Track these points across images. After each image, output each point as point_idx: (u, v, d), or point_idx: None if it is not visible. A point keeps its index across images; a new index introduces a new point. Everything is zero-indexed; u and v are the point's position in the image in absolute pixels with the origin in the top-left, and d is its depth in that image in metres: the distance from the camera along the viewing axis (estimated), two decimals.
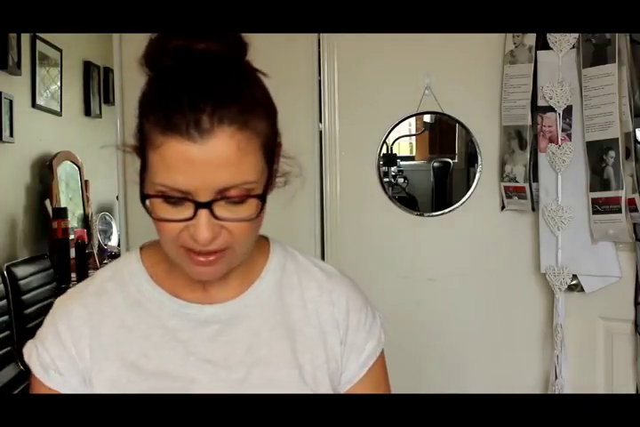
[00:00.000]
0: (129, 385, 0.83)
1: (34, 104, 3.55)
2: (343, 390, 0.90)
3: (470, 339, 1.91)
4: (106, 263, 3.61)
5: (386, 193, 1.96)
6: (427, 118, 2.10)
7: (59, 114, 3.88)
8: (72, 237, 3.61)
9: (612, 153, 1.59)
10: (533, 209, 1.80)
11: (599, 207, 1.63)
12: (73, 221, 3.79)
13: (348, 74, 1.95)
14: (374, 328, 0.92)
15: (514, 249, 1.87)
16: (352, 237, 1.97)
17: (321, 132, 1.98)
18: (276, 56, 1.88)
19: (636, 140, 1.63)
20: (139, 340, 0.84)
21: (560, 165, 1.69)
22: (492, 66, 1.83)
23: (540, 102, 1.71)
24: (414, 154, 2.35)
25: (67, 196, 3.81)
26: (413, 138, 2.28)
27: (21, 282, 3.08)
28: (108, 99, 4.45)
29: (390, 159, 2.05)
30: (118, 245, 3.00)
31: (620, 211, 1.60)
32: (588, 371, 1.78)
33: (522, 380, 1.86)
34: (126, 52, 1.99)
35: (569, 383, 1.74)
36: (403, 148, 2.22)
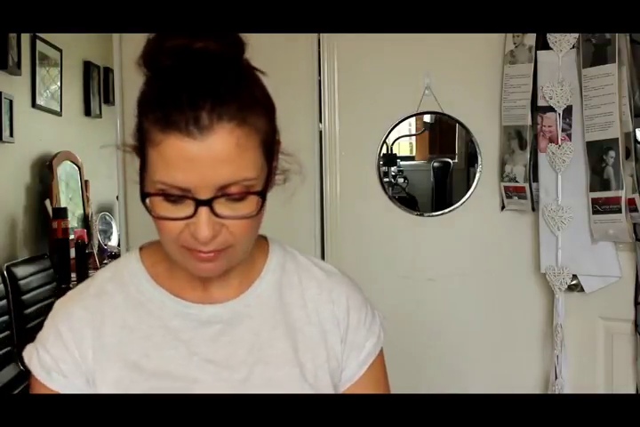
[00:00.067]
0: (131, 385, 0.83)
1: (34, 104, 3.55)
2: (343, 388, 0.91)
3: (470, 339, 1.91)
4: (106, 263, 3.61)
5: (386, 193, 1.96)
6: (427, 118, 2.10)
7: (59, 114, 3.88)
8: (72, 237, 3.61)
9: (611, 153, 1.59)
10: (533, 209, 1.80)
11: (599, 207, 1.63)
12: (73, 221, 3.79)
13: (348, 74, 1.95)
14: (374, 326, 0.92)
15: (514, 249, 1.87)
16: (352, 237, 1.97)
17: (321, 132, 1.98)
18: (276, 56, 1.89)
19: (636, 140, 1.63)
20: (140, 340, 0.84)
21: (560, 165, 1.69)
22: (492, 66, 1.83)
23: (540, 102, 1.71)
24: (414, 154, 2.35)
25: (67, 196, 3.81)
26: (413, 138, 2.28)
27: (21, 282, 3.08)
28: (108, 99, 4.45)
29: (390, 159, 2.05)
30: (118, 245, 3.00)
31: (619, 211, 1.60)
32: (588, 371, 1.78)
33: (522, 380, 1.86)
34: (126, 52, 1.99)
35: (569, 383, 1.74)
36: (403, 148, 2.22)
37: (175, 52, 0.75)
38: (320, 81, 1.96)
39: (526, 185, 1.76)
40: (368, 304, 0.94)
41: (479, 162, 1.90)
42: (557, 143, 1.69)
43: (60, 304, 0.88)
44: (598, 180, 1.63)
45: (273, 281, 0.90)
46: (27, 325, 3.02)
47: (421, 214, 1.97)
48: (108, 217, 4.28)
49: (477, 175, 1.90)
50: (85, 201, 4.07)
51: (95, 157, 3.96)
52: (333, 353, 0.89)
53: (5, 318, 2.90)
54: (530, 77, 1.72)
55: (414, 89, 1.89)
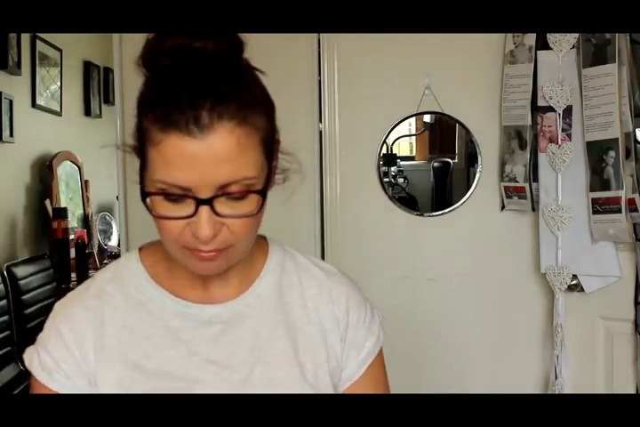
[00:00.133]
0: (133, 386, 0.82)
1: (34, 104, 3.55)
2: (343, 387, 0.91)
3: (470, 339, 1.91)
4: (106, 263, 3.61)
5: (386, 193, 1.96)
6: (427, 118, 2.10)
7: (59, 114, 3.88)
8: (72, 237, 3.61)
9: (612, 153, 1.59)
10: (533, 209, 1.80)
11: (599, 207, 1.63)
12: (73, 221, 3.79)
13: (347, 74, 1.95)
14: (373, 326, 0.93)
15: (514, 249, 1.87)
16: (352, 237, 1.97)
17: (321, 132, 1.98)
18: (276, 56, 1.89)
19: (636, 140, 1.63)
20: (141, 340, 0.84)
21: (560, 165, 1.69)
22: (492, 66, 1.83)
23: (540, 102, 1.71)
24: (414, 154, 2.35)
25: (67, 196, 3.81)
26: (413, 138, 2.28)
27: (21, 282, 3.08)
28: (108, 99, 4.46)
29: (390, 159, 2.05)
30: (118, 245, 3.00)
31: (620, 211, 1.60)
32: (588, 371, 1.78)
33: (522, 380, 1.86)
34: (126, 52, 1.99)
35: (569, 383, 1.74)
36: (403, 148, 2.22)
37: (174, 51, 0.75)
38: (320, 81, 1.96)
39: (526, 185, 1.76)
40: (367, 304, 0.94)
41: (479, 162, 1.90)
42: (557, 143, 1.69)
43: (60, 306, 0.88)
44: (598, 180, 1.63)
45: (273, 281, 0.90)
46: (27, 325, 3.02)
47: (421, 214, 1.97)
48: (108, 217, 4.28)
49: (477, 175, 1.90)
50: (85, 201, 4.07)
51: (95, 157, 3.96)
52: (333, 353, 0.89)
53: (5, 318, 2.90)
54: (530, 77, 1.72)
55: (414, 89, 1.89)
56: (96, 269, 3.55)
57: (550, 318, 1.80)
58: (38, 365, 0.84)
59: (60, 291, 3.23)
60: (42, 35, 3.59)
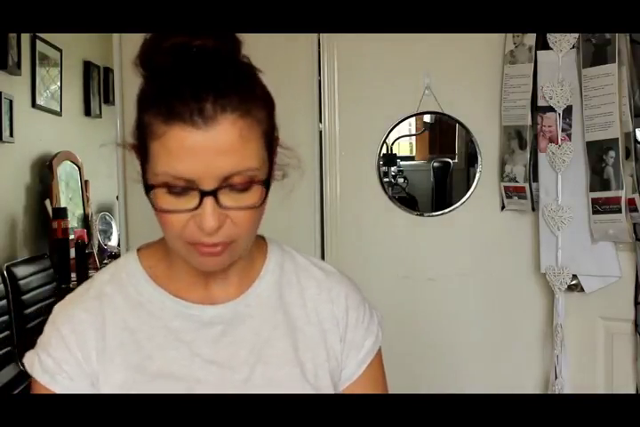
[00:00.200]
0: (135, 387, 0.82)
1: (34, 104, 3.55)
2: (342, 387, 0.91)
3: (470, 339, 1.91)
4: (106, 263, 3.61)
5: (386, 193, 1.96)
6: (427, 118, 2.10)
7: (59, 114, 3.88)
8: (72, 237, 3.61)
9: (611, 153, 1.59)
10: (533, 209, 1.80)
11: (599, 207, 1.63)
12: (73, 221, 3.79)
13: (347, 74, 1.95)
14: (372, 326, 0.93)
15: (514, 249, 1.87)
16: (352, 237, 1.97)
17: (321, 132, 1.97)
18: (276, 56, 1.89)
19: (636, 140, 1.63)
20: (142, 341, 0.84)
21: (560, 165, 1.69)
22: (492, 66, 1.83)
23: (540, 102, 1.71)
24: (414, 154, 2.35)
25: (67, 196, 3.81)
26: (413, 138, 2.28)
27: (21, 282, 3.08)
28: (108, 99, 4.46)
29: (390, 159, 2.05)
30: (118, 245, 3.00)
31: (620, 211, 1.60)
32: (588, 371, 1.78)
33: (522, 380, 1.86)
34: (126, 52, 1.99)
35: (569, 383, 1.74)
36: (403, 148, 2.22)
37: (174, 50, 0.75)
38: (320, 81, 1.96)
39: (526, 185, 1.76)
40: (366, 303, 0.94)
41: (479, 162, 1.90)
42: (557, 143, 1.69)
43: (60, 307, 0.88)
44: (598, 180, 1.63)
45: (272, 281, 0.90)
46: (27, 325, 3.02)
47: (421, 214, 1.97)
48: (108, 217, 4.28)
49: (477, 175, 1.90)
50: (85, 201, 4.07)
51: (95, 156, 3.96)
52: (333, 352, 0.89)
53: (5, 318, 2.90)
54: (530, 77, 1.72)
55: (414, 89, 1.89)
56: (96, 269, 3.55)
57: (550, 318, 1.80)
58: (39, 367, 0.83)
59: (60, 291, 3.23)
60: (42, 35, 3.59)
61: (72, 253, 3.54)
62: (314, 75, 1.96)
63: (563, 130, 1.69)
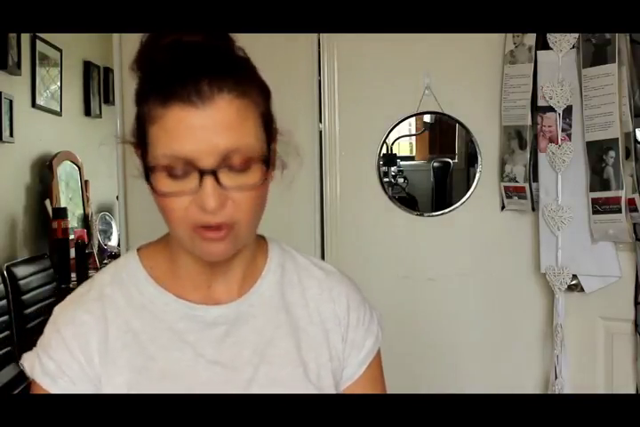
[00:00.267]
0: (138, 388, 0.82)
1: (34, 104, 3.55)
2: (343, 386, 0.91)
3: (470, 339, 1.91)
4: (106, 263, 3.61)
5: (386, 193, 1.96)
6: (427, 118, 2.10)
7: (59, 114, 3.88)
8: (72, 237, 3.61)
9: (611, 153, 1.59)
10: (533, 209, 1.80)
11: (599, 207, 1.63)
12: (73, 221, 3.79)
13: (347, 74, 1.95)
14: (372, 325, 0.93)
15: (514, 249, 1.87)
16: (352, 237, 1.97)
17: (321, 132, 1.97)
18: (276, 56, 1.89)
19: (636, 140, 1.63)
20: (145, 343, 0.84)
21: (560, 165, 1.69)
22: (492, 66, 1.83)
23: (540, 102, 1.71)
24: (414, 154, 2.35)
25: (67, 196, 3.81)
26: (413, 138, 2.28)
27: (21, 282, 3.08)
28: (107, 99, 4.46)
29: (390, 159, 2.05)
30: (118, 245, 3.00)
31: (620, 211, 1.60)
32: (588, 371, 1.78)
33: (522, 380, 1.86)
34: (126, 52, 1.99)
35: (569, 383, 1.74)
36: (403, 148, 2.22)
37: (170, 47, 0.77)
38: (320, 81, 1.96)
39: (526, 185, 1.76)
40: (366, 303, 0.94)
41: (479, 162, 1.90)
42: (557, 143, 1.69)
43: (60, 308, 0.87)
44: (598, 180, 1.63)
45: (274, 281, 0.90)
46: (27, 325, 3.02)
47: (421, 214, 1.97)
48: (108, 217, 4.28)
49: (477, 175, 1.90)
50: (85, 201, 4.07)
51: (95, 157, 3.95)
52: (335, 352, 0.89)
53: (5, 318, 2.91)
54: (530, 77, 1.72)
55: (414, 89, 1.89)
56: (96, 269, 3.55)
57: (550, 318, 1.80)
58: (40, 370, 0.83)
59: (60, 291, 3.23)
60: (42, 35, 3.59)
61: (72, 253, 3.54)
62: (314, 75, 1.96)
63: (563, 130, 1.69)
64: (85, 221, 4.02)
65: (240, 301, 0.87)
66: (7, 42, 3.16)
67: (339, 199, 1.97)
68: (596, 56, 1.61)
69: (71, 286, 3.36)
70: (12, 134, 3.25)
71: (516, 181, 1.78)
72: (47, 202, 3.54)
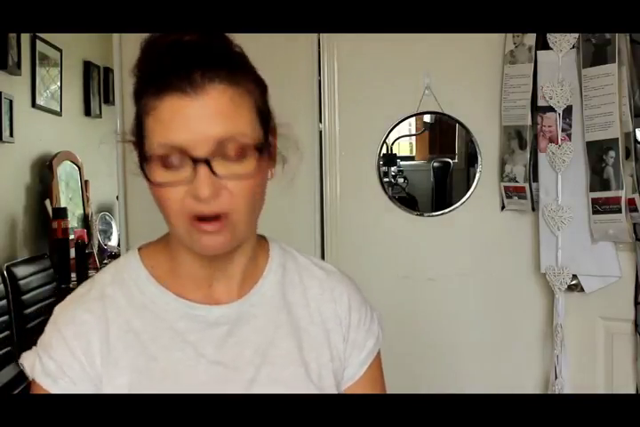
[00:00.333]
0: (139, 388, 0.82)
1: (34, 104, 3.55)
2: (344, 386, 0.91)
3: (470, 339, 1.91)
4: (106, 263, 3.61)
5: (386, 193, 1.96)
6: (427, 118, 2.10)
7: (59, 114, 3.88)
8: (72, 237, 3.61)
9: (611, 153, 1.59)
10: (533, 209, 1.80)
11: (599, 207, 1.63)
12: (73, 221, 3.79)
13: (347, 74, 1.95)
14: (373, 326, 0.94)
15: (514, 249, 1.87)
16: (352, 237, 1.97)
17: (321, 132, 1.97)
18: (276, 56, 1.89)
19: (636, 140, 1.63)
20: (147, 343, 0.83)
21: (560, 165, 1.69)
22: (492, 66, 1.83)
23: (540, 102, 1.71)
24: (414, 154, 2.35)
25: (67, 196, 3.81)
26: (413, 138, 2.28)
27: (21, 282, 3.08)
28: (107, 99, 4.46)
29: (390, 159, 2.05)
30: (118, 245, 3.00)
31: (620, 211, 1.60)
32: (588, 371, 1.78)
33: (522, 380, 1.86)
34: (126, 52, 1.99)
35: (569, 383, 1.74)
36: (403, 148, 2.22)
37: (168, 45, 0.77)
38: (320, 81, 1.96)
39: (526, 185, 1.76)
40: (367, 303, 0.95)
41: (479, 162, 1.90)
42: (557, 143, 1.69)
43: (61, 308, 0.86)
44: (598, 180, 1.63)
45: (275, 281, 0.90)
46: (27, 325, 3.02)
47: (421, 214, 1.97)
48: (108, 217, 4.28)
49: (477, 175, 1.90)
50: (85, 201, 4.07)
51: (95, 157, 3.95)
52: (336, 352, 0.90)
53: (5, 318, 2.91)
54: (530, 77, 1.72)
55: (414, 89, 1.89)
56: (96, 269, 3.55)
57: (550, 318, 1.80)
58: (41, 370, 0.82)
59: (60, 291, 3.23)
60: (42, 35, 3.59)
61: (72, 253, 3.53)
62: (314, 75, 1.96)
63: (563, 130, 1.69)
64: (85, 221, 4.02)
65: (241, 300, 0.87)
66: (7, 42, 3.16)
67: (339, 199, 1.97)
68: (595, 56, 1.61)
69: (71, 286, 3.36)
70: (12, 134, 3.25)
71: (516, 181, 1.78)
72: (47, 202, 3.54)
